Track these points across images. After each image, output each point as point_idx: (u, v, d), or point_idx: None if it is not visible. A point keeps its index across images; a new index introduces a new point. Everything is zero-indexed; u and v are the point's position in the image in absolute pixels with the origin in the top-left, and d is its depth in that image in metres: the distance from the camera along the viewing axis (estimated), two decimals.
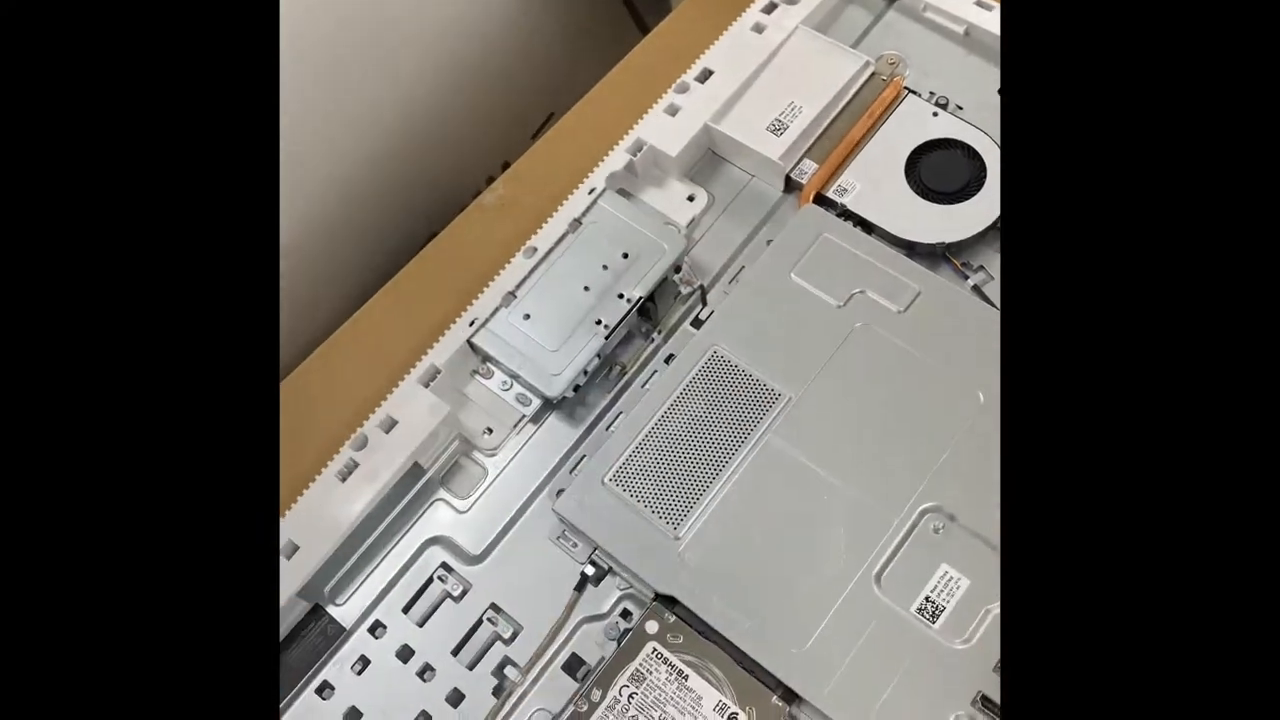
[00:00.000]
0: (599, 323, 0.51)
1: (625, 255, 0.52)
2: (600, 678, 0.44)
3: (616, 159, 0.55)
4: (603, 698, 0.43)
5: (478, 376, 0.52)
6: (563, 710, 0.44)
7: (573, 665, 0.45)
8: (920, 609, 0.43)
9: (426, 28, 0.64)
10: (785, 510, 0.45)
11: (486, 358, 0.52)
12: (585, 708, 0.43)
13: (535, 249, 0.53)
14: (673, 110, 0.56)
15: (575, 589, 0.47)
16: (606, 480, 0.47)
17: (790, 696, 0.42)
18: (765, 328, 0.49)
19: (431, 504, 0.50)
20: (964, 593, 0.43)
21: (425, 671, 0.46)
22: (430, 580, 0.48)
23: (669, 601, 0.45)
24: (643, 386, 0.51)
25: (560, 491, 0.47)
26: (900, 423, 0.47)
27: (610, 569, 0.47)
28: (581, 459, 0.49)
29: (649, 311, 0.53)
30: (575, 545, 0.48)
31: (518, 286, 0.52)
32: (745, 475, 0.46)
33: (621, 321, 0.51)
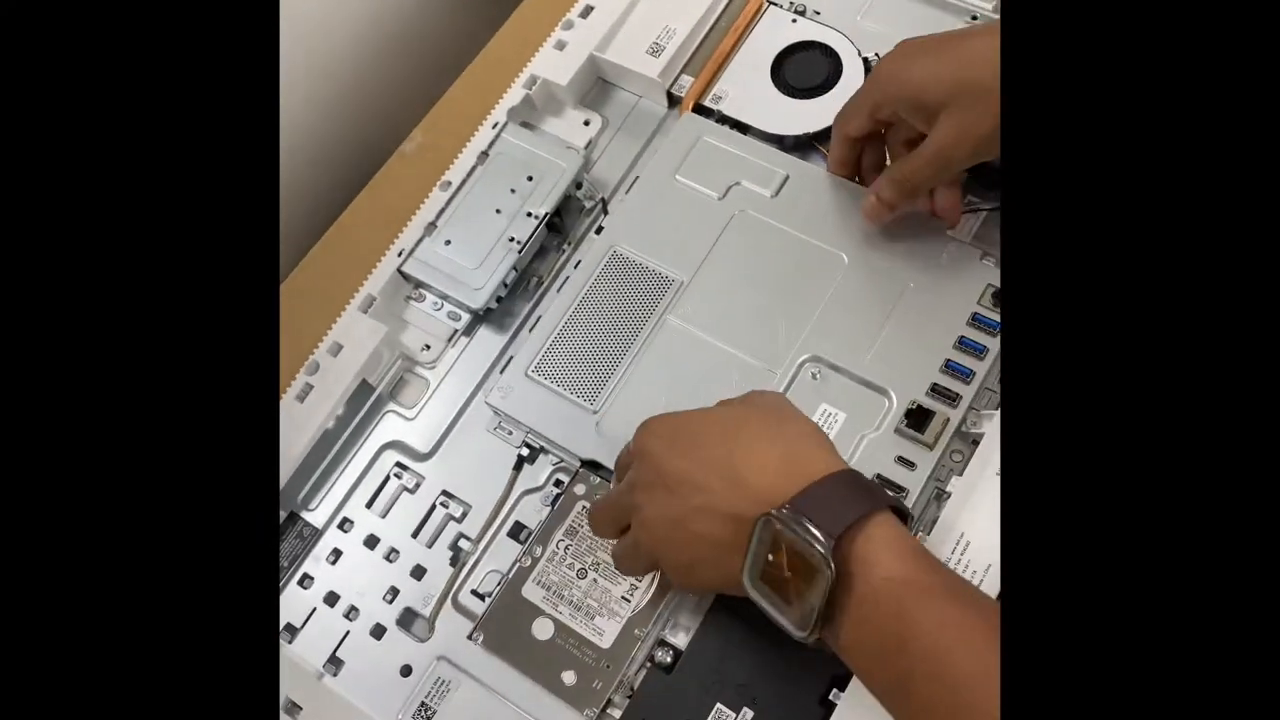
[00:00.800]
0: (512, 240, 0.57)
1: (530, 178, 0.59)
2: (539, 537, 0.50)
3: (514, 94, 0.61)
4: (543, 553, 0.50)
5: (411, 301, 0.59)
6: (510, 568, 0.50)
7: (516, 531, 0.52)
8: None
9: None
10: (685, 377, 0.52)
11: (417, 283, 0.58)
12: (529, 562, 0.50)
13: (450, 182, 0.59)
14: (561, 45, 0.62)
15: (514, 469, 0.53)
16: (530, 372, 0.53)
17: None
18: (657, 225, 0.56)
19: (384, 415, 0.56)
20: (841, 425, 0.50)
21: (390, 554, 0.53)
22: (388, 478, 0.55)
23: (593, 466, 0.51)
24: (557, 291, 0.57)
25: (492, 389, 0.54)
26: (778, 290, 0.53)
27: (542, 448, 0.53)
28: (510, 360, 0.55)
29: (558, 226, 0.59)
30: (510, 432, 0.54)
31: (437, 217, 0.58)
32: (649, 352, 0.53)
33: (532, 236, 0.57)
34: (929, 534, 0.46)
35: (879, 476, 0.48)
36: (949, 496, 0.47)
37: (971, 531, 0.46)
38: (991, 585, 0.45)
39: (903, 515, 0.40)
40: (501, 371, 0.55)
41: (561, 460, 0.53)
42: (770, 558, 0.39)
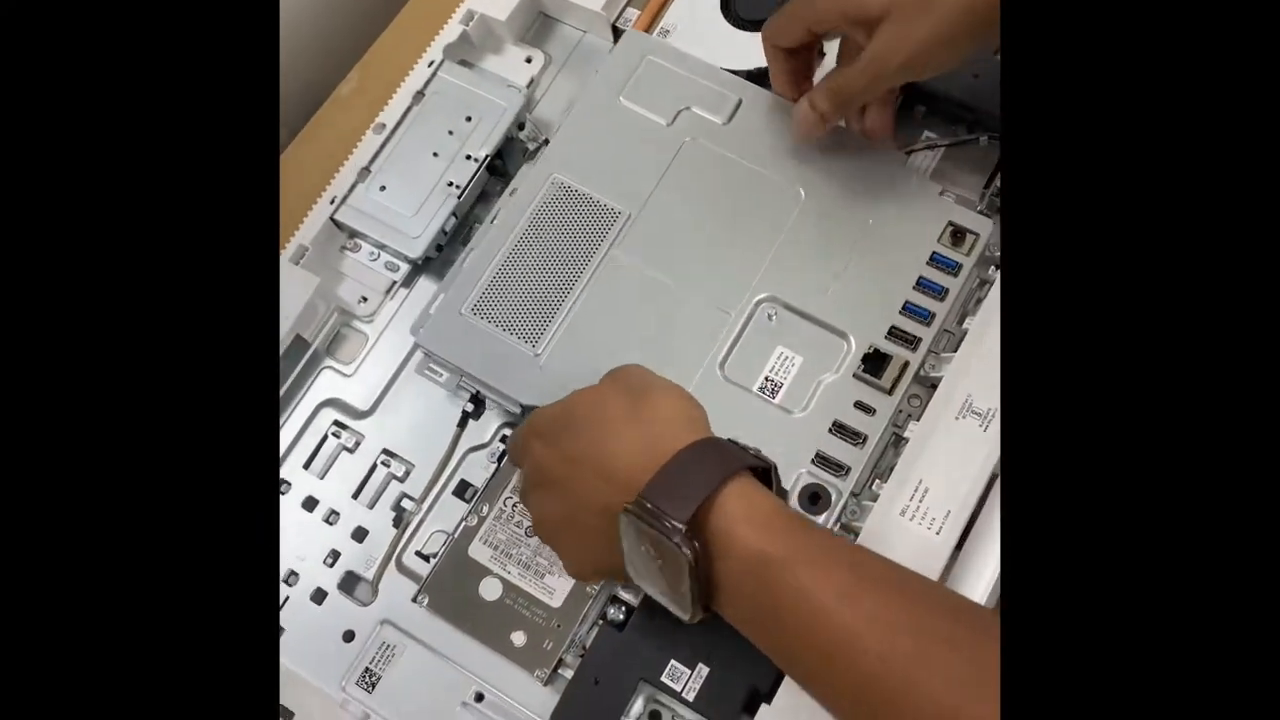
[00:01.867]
0: (451, 184, 0.54)
1: (469, 119, 0.56)
2: (486, 494, 0.48)
3: (451, 31, 0.58)
4: (490, 511, 0.48)
5: (346, 251, 0.56)
6: (456, 528, 0.48)
7: (461, 489, 0.50)
8: (762, 388, 0.48)
9: None
10: (634, 316, 0.49)
11: (352, 232, 0.55)
12: (475, 521, 0.48)
13: (384, 125, 0.56)
14: None
15: (458, 425, 0.51)
16: (464, 311, 0.50)
17: None
18: (600, 152, 0.53)
19: (320, 372, 0.54)
20: (798, 369, 0.48)
21: (330, 516, 0.50)
22: (326, 438, 0.52)
23: None
24: (491, 222, 0.54)
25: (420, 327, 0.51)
26: (732, 225, 0.50)
27: (485, 399, 0.51)
28: (439, 297, 0.52)
29: (499, 169, 0.56)
30: (441, 374, 0.52)
31: (371, 162, 0.55)
32: (594, 290, 0.50)
33: (472, 180, 0.54)
34: (886, 481, 0.45)
35: (837, 423, 0.46)
36: (907, 442, 0.46)
37: (930, 478, 0.44)
38: (950, 533, 0.43)
39: (765, 472, 0.39)
40: (431, 311, 0.52)
41: (510, 415, 0.51)
42: (641, 548, 0.38)
